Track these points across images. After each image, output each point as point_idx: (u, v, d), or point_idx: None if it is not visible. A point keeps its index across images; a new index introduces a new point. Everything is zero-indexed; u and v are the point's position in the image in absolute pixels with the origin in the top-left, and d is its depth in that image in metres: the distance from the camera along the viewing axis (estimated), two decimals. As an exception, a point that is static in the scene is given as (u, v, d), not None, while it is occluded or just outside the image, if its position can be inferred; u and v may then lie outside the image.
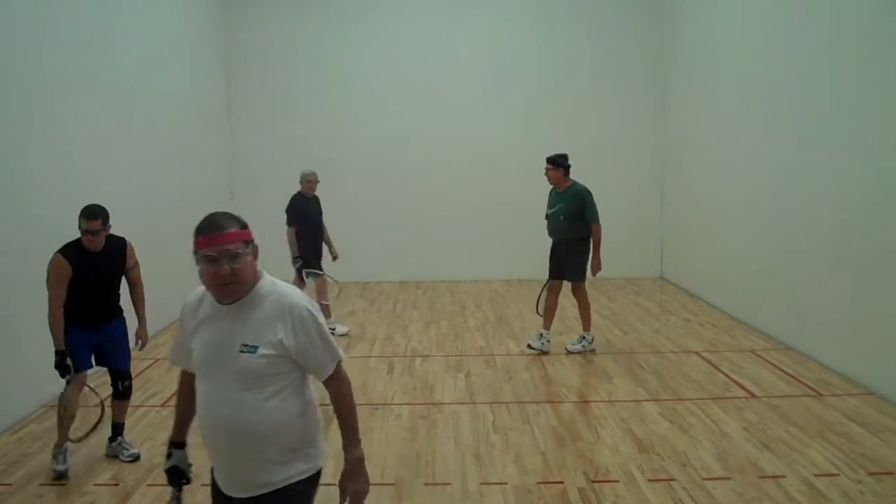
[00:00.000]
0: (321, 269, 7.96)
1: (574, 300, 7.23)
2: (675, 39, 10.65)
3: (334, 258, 8.27)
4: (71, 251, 4.58)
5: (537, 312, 7.39)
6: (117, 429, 4.95)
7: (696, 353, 7.11)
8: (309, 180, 8.10)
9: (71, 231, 6.25)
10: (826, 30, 6.56)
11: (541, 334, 7.17)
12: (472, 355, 7.20)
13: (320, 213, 8.19)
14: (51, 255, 4.57)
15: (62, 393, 4.61)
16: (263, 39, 11.22)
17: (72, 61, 6.52)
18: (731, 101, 8.62)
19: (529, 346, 7.17)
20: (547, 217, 7.13)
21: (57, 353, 4.48)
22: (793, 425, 5.19)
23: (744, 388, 6.04)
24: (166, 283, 8.46)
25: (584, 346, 7.15)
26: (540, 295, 7.38)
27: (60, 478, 4.52)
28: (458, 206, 11.26)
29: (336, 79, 11.22)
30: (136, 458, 4.89)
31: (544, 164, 7.04)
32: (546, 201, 7.23)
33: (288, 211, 7.97)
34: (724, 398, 5.80)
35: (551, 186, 7.13)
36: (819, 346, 6.64)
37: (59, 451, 4.65)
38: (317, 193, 8.20)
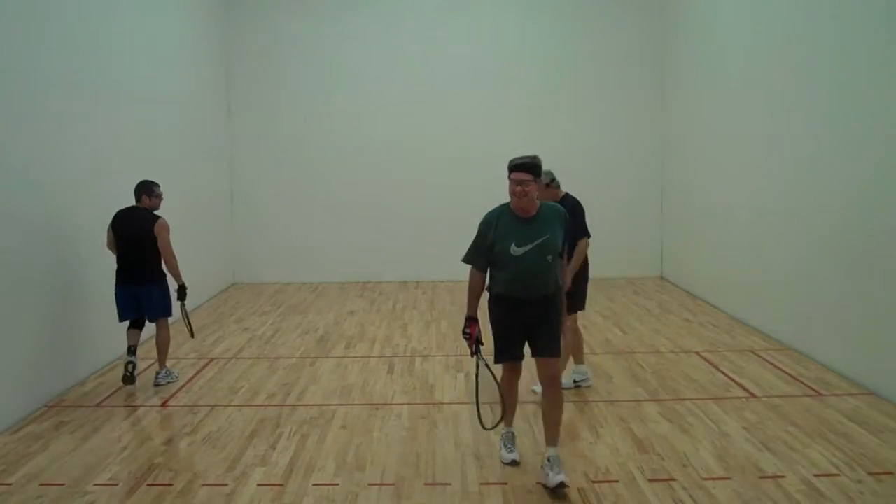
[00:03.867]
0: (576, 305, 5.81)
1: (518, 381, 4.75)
2: (676, 39, 10.66)
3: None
4: None
5: (483, 426, 4.59)
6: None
7: (696, 353, 7.11)
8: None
9: (71, 230, 6.29)
10: (827, 30, 6.57)
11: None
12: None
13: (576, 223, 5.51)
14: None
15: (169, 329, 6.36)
16: (263, 39, 11.23)
17: (71, 62, 6.52)
18: (732, 100, 8.62)
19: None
20: (511, 259, 4.31)
21: (185, 286, 6.26)
22: (793, 425, 5.20)
23: (744, 388, 6.04)
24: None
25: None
26: (478, 394, 4.53)
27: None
28: (458, 207, 11.22)
29: (336, 79, 11.22)
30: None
31: (512, 174, 4.25)
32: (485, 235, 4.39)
33: None
34: (724, 398, 5.80)
35: (507, 212, 4.36)
36: (819, 346, 6.64)
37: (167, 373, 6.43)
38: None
